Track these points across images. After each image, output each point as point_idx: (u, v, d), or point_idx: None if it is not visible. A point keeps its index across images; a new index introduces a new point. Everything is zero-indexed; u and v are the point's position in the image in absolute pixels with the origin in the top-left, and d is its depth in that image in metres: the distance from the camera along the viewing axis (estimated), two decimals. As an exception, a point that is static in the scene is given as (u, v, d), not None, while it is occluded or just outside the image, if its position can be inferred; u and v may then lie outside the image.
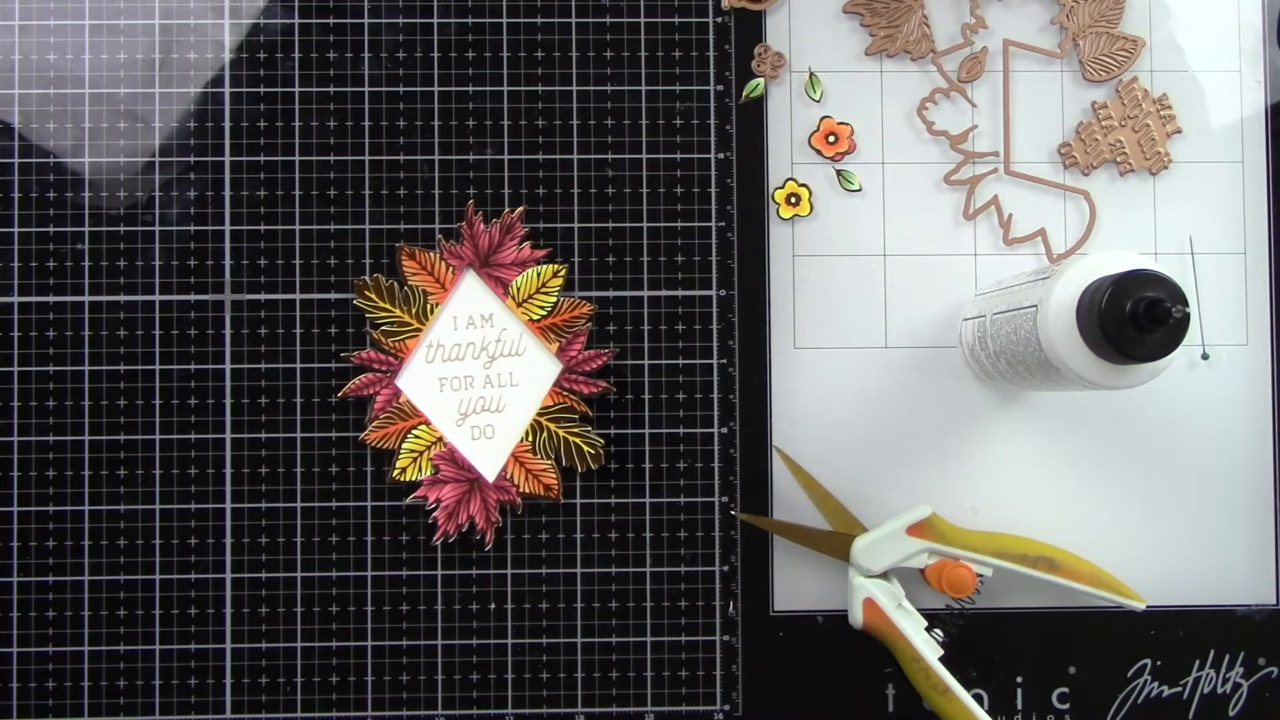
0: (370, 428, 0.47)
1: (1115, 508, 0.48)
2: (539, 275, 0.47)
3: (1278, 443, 0.48)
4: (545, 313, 0.47)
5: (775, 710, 0.47)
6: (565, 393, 0.47)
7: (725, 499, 0.47)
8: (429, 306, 0.47)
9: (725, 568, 0.47)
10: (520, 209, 0.47)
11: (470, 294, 0.47)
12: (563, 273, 0.47)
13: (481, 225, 0.47)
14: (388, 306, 0.47)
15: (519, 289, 0.47)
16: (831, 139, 0.48)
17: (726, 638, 0.47)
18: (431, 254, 0.47)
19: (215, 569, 0.47)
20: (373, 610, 0.47)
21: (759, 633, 0.47)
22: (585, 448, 0.47)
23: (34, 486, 0.47)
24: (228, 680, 0.47)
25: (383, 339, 0.47)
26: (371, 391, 0.47)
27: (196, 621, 0.47)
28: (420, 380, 0.47)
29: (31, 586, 0.47)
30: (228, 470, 0.47)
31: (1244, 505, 0.48)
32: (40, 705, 0.47)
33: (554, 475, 0.47)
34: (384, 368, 0.47)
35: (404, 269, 0.47)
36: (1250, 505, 0.48)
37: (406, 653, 0.47)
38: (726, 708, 0.47)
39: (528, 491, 0.47)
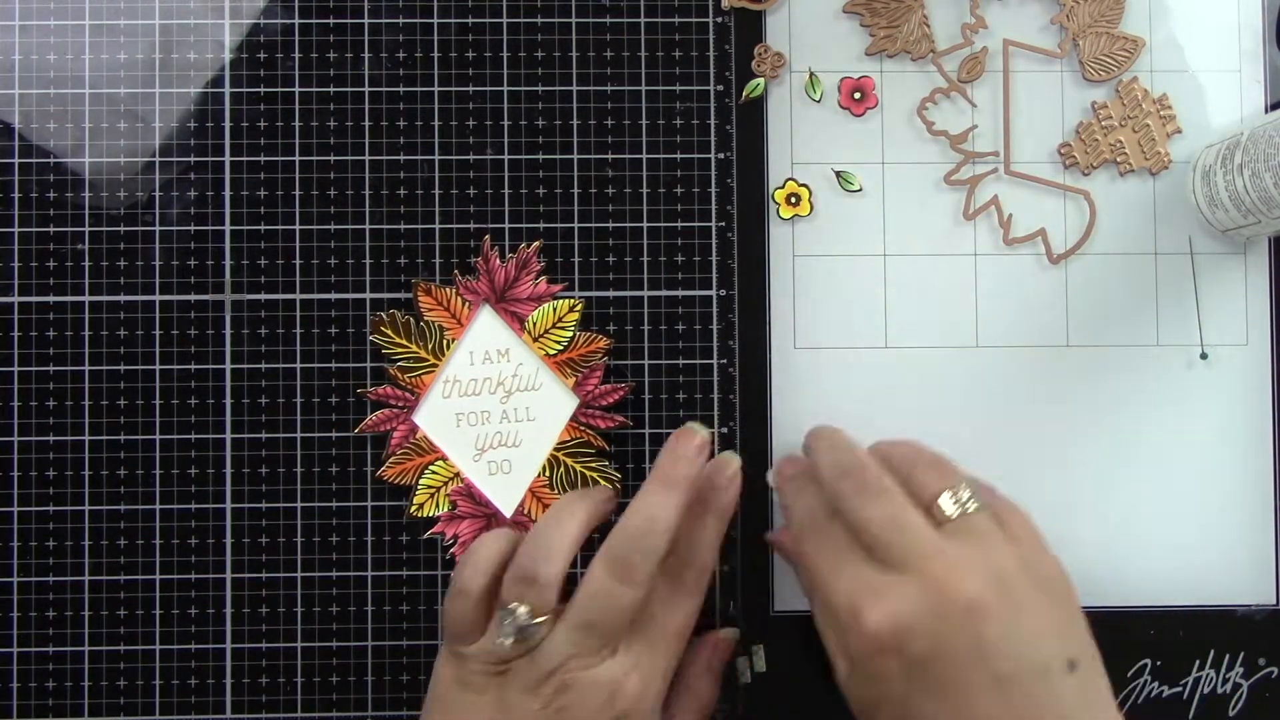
0: (387, 464, 0.47)
1: (1115, 508, 0.48)
2: (555, 310, 0.47)
3: (1278, 443, 0.48)
4: (562, 347, 0.47)
5: (775, 710, 0.47)
6: (582, 427, 0.47)
7: (725, 499, 0.47)
8: (445, 342, 0.47)
9: (725, 567, 0.47)
10: (537, 243, 0.47)
11: (486, 329, 0.47)
12: (579, 307, 0.47)
13: (497, 261, 0.47)
14: (404, 342, 0.47)
15: (535, 324, 0.47)
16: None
17: (726, 638, 0.47)
18: (448, 289, 0.47)
19: (215, 569, 0.47)
20: (373, 610, 0.47)
21: (759, 633, 0.47)
22: (603, 482, 0.47)
23: (34, 486, 0.47)
24: (228, 680, 0.47)
25: (399, 375, 0.47)
26: (388, 427, 0.47)
27: (196, 621, 0.47)
28: (437, 416, 0.47)
29: (31, 586, 0.47)
30: (228, 470, 0.47)
31: (1244, 505, 0.48)
32: (40, 705, 0.47)
33: None
34: (400, 403, 0.47)
35: (420, 304, 0.47)
36: (1250, 505, 0.48)
37: (406, 653, 0.47)
38: (726, 707, 0.47)
39: None
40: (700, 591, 0.40)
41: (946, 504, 0.36)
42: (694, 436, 0.42)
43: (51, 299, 0.47)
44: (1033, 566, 0.35)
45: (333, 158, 0.48)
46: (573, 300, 0.47)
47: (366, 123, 0.48)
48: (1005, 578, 0.34)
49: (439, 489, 0.47)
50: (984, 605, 0.33)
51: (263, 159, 0.47)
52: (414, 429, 0.47)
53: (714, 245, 0.48)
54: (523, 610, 0.37)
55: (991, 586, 0.34)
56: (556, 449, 0.47)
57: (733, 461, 0.43)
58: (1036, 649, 0.34)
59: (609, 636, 0.38)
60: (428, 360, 0.47)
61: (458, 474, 0.47)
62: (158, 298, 0.47)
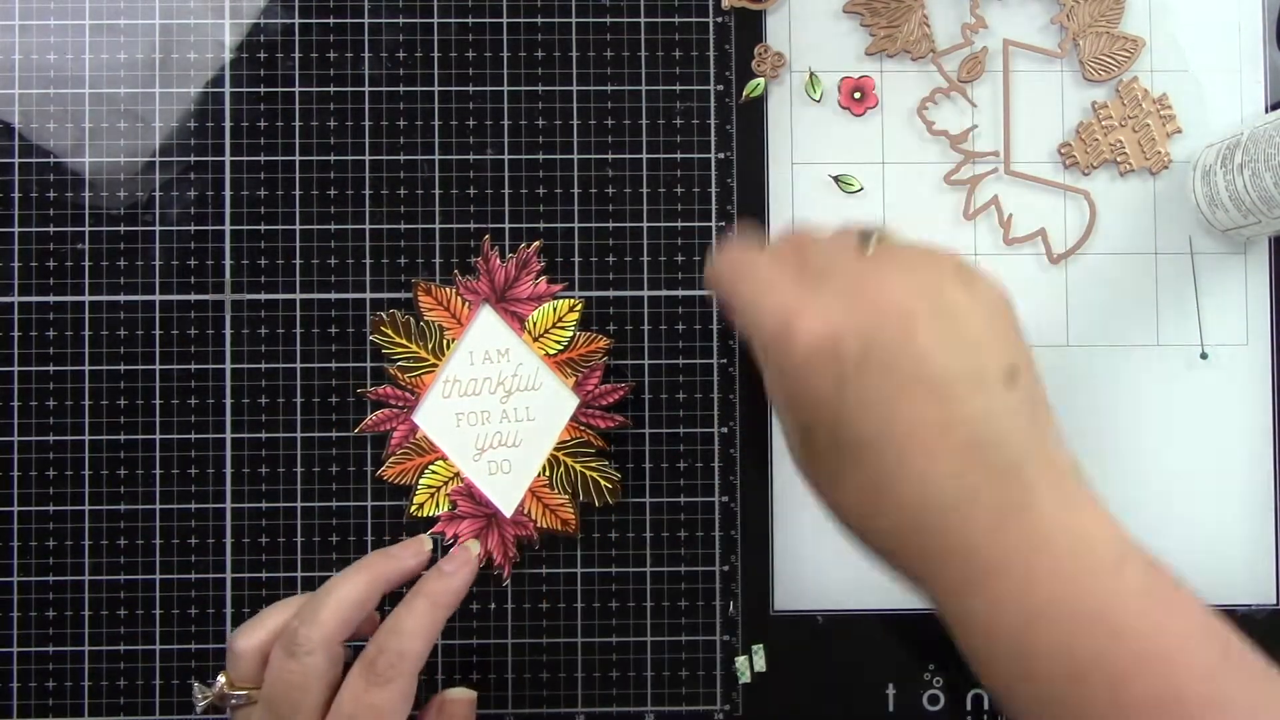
0: (387, 464, 0.47)
1: (1113, 507, 0.48)
2: (555, 310, 0.47)
3: (1278, 443, 0.48)
4: (562, 347, 0.47)
5: (775, 710, 0.47)
6: (582, 427, 0.47)
7: (725, 499, 0.47)
8: (445, 342, 0.47)
9: (725, 568, 0.47)
10: (537, 243, 0.47)
11: (487, 329, 0.47)
12: (579, 307, 0.47)
13: (497, 260, 0.47)
14: (404, 342, 0.47)
15: (535, 324, 0.47)
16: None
17: (726, 638, 0.47)
18: (448, 289, 0.47)
19: (215, 569, 0.47)
20: (373, 610, 0.47)
21: (759, 633, 0.47)
22: (603, 482, 0.47)
23: (34, 486, 0.47)
24: (228, 680, 0.47)
25: (399, 375, 0.47)
26: (388, 427, 0.47)
27: (196, 621, 0.47)
28: (437, 415, 0.47)
29: (31, 586, 0.47)
30: (228, 470, 0.47)
31: (1244, 505, 0.48)
32: (40, 705, 0.47)
33: (571, 510, 0.47)
34: (400, 403, 0.47)
35: (420, 304, 0.47)
36: (1250, 505, 0.48)
37: (406, 653, 0.47)
38: (726, 708, 0.47)
39: (545, 527, 0.47)
40: (399, 678, 0.37)
41: (867, 240, 0.35)
42: (418, 544, 0.41)
43: (51, 299, 0.47)
44: (965, 278, 0.34)
45: (333, 158, 0.48)
46: (573, 300, 0.47)
47: (366, 123, 0.48)
48: (935, 288, 0.33)
49: (439, 489, 0.47)
50: (914, 311, 0.32)
51: (263, 159, 0.47)
52: (414, 429, 0.47)
53: (714, 245, 0.48)
54: (220, 680, 0.39)
55: (922, 296, 0.33)
56: (556, 449, 0.47)
57: (468, 550, 0.41)
58: (971, 356, 0.32)
59: (286, 716, 0.37)
60: (428, 360, 0.47)
61: (458, 474, 0.47)
62: (158, 298, 0.47)
